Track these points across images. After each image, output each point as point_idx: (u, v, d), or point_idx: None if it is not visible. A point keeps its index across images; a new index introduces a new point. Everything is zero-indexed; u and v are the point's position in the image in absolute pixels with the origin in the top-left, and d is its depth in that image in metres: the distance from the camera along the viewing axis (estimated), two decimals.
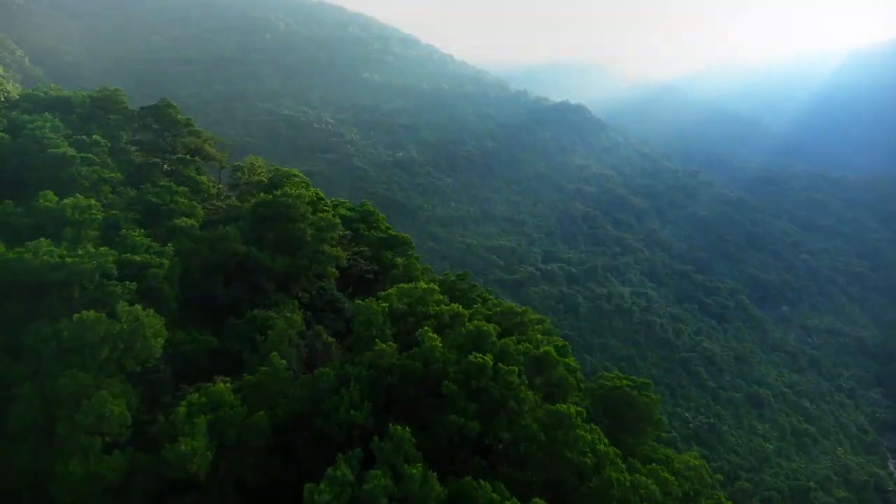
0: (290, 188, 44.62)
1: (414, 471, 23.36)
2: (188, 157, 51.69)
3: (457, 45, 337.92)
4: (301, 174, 53.68)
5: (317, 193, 52.27)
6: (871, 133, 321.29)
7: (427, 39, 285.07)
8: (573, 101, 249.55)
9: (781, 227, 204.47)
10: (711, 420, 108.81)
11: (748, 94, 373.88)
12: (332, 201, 57.57)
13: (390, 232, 54.25)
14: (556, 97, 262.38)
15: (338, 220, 42.39)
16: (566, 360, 36.20)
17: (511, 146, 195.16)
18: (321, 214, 41.57)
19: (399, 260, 50.77)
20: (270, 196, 40.14)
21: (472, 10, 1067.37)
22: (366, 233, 52.06)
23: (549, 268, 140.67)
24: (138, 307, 28.02)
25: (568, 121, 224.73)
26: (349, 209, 55.58)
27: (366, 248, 49.89)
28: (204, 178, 51.34)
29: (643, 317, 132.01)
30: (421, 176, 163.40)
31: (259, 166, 55.81)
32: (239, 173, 55.82)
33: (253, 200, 42.25)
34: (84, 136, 46.73)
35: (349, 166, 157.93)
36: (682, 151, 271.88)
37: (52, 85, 66.37)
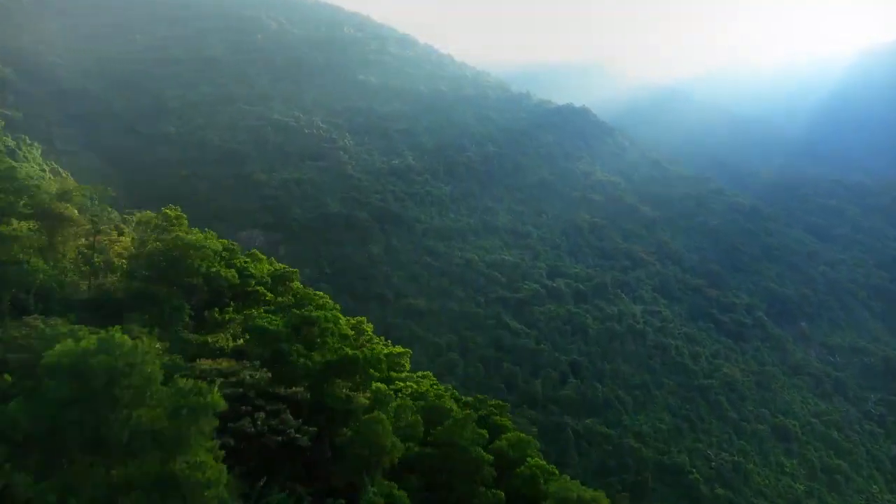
0: (196, 257, 31.89)
1: None
2: (14, 230, 33.61)
3: (456, 45, 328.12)
4: (216, 243, 39.58)
5: (242, 272, 39.29)
6: (883, 136, 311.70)
7: (426, 39, 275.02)
8: (575, 104, 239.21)
9: (796, 236, 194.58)
10: (736, 458, 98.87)
11: (755, 97, 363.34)
12: (279, 271, 45.30)
13: (347, 348, 33.84)
14: (557, 99, 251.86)
15: (216, 398, 20.19)
16: None
17: (513, 152, 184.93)
18: (182, 384, 19.98)
19: (361, 399, 32.50)
20: (67, 358, 18.33)
21: (472, 9, 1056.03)
22: (301, 358, 32.19)
23: (554, 284, 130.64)
24: None
25: (572, 124, 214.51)
26: (279, 318, 35.38)
27: (299, 390, 31.16)
28: (42, 263, 33.61)
29: (657, 339, 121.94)
30: (418, 184, 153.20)
31: (157, 225, 41.61)
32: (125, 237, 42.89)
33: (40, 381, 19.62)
34: None
35: (341, 174, 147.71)
36: (690, 156, 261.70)
37: None
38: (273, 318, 34.56)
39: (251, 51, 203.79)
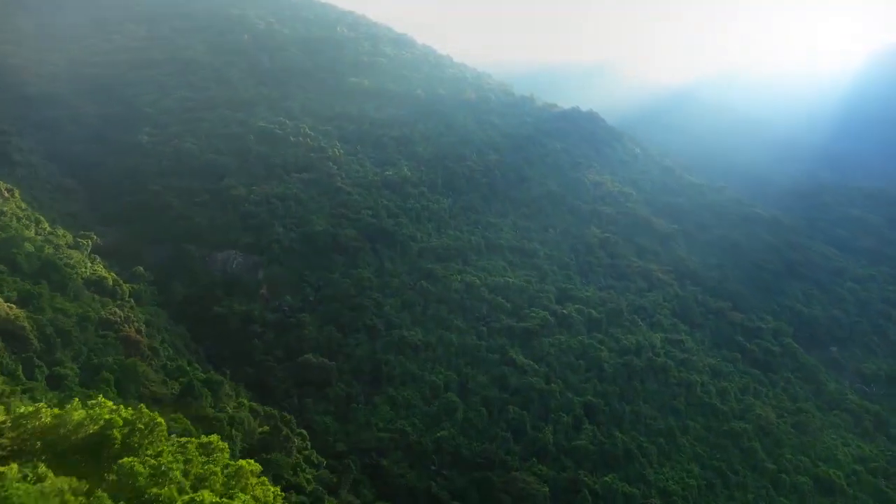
0: None
1: None
2: None
3: (455, 45, 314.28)
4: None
5: None
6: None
7: (425, 40, 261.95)
8: (580, 107, 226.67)
9: (820, 250, 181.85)
10: None
11: (765, 99, 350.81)
12: None
13: None
14: (559, 101, 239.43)
15: None
16: None
17: (517, 161, 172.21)
18: None
19: None
20: None
21: (472, 9, 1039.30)
22: None
23: (565, 311, 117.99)
24: None
25: (580, 130, 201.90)
26: None
27: None
28: None
29: (681, 375, 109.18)
30: (413, 198, 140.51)
31: None
32: None
33: None
34: None
35: (329, 188, 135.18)
36: (699, 162, 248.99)
37: None
38: None
39: (236, 52, 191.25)
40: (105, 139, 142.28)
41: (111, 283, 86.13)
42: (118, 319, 68.03)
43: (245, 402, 77.43)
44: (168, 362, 71.12)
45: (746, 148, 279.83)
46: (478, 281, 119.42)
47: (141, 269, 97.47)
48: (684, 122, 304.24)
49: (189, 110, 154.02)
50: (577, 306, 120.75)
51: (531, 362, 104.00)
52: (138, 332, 68.93)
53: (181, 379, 64.93)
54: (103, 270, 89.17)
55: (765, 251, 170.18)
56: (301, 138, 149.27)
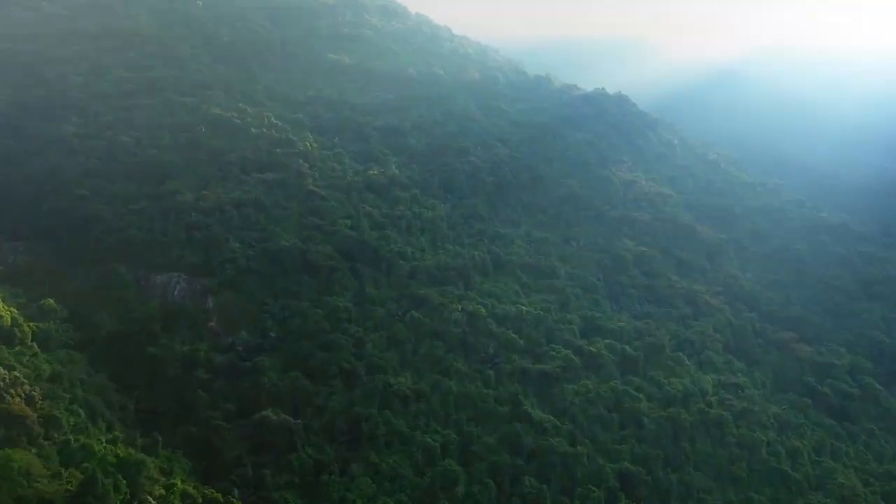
0: None
1: None
2: None
3: (457, 14, 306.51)
4: None
5: None
6: None
7: (420, 8, 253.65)
8: (607, 89, 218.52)
9: None
10: None
11: (827, 80, 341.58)
12: None
13: None
14: (583, 83, 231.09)
15: None
16: None
17: (531, 155, 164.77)
18: None
19: None
20: None
21: None
22: None
23: (592, 348, 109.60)
24: None
25: (607, 117, 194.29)
26: None
27: None
28: None
29: (740, 431, 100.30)
30: (403, 203, 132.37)
31: None
32: None
33: None
34: None
35: (299, 191, 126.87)
36: (751, 155, 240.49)
37: None
38: None
39: (188, 23, 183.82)
40: (22, 131, 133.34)
41: (9, 323, 77.34)
42: (2, 384, 59.04)
43: (178, 483, 68.38)
44: (72, 438, 61.96)
45: (804, 138, 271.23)
46: (483, 310, 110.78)
47: (52, 301, 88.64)
48: (729, 106, 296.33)
49: (127, 95, 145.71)
50: (607, 341, 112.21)
51: (551, 417, 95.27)
52: (28, 400, 59.85)
53: (85, 465, 55.72)
54: (0, 306, 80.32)
55: (834, 266, 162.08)
56: (264, 129, 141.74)
